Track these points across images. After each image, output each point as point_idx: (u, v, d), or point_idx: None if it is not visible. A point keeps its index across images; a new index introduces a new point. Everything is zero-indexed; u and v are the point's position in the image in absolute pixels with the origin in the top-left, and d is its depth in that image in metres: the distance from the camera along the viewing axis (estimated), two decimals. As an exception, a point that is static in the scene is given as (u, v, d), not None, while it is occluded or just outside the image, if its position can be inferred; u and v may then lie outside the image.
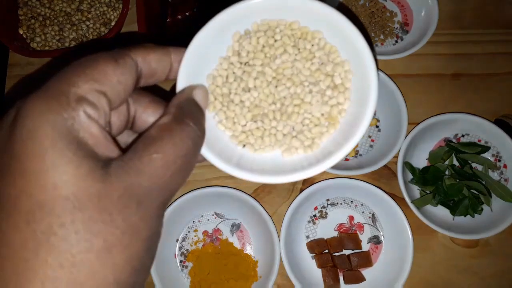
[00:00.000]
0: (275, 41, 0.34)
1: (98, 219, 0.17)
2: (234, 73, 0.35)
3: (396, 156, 0.53)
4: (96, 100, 0.19)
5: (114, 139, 0.21)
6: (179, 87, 0.29)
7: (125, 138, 0.25)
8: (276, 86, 0.34)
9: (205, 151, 0.30)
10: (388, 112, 0.57)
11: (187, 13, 0.59)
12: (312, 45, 0.34)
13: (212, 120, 0.34)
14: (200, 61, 0.32)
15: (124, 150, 0.20)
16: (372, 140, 0.57)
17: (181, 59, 0.28)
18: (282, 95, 0.34)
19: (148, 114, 0.24)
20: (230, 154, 0.33)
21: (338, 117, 0.33)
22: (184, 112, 0.22)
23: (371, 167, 0.53)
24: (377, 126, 0.58)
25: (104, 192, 0.17)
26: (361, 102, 0.31)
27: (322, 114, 0.33)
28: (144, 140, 0.20)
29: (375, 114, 0.58)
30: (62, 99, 0.18)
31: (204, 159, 0.28)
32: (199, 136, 0.23)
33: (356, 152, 0.57)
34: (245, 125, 0.34)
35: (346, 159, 0.57)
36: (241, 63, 0.35)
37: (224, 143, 0.34)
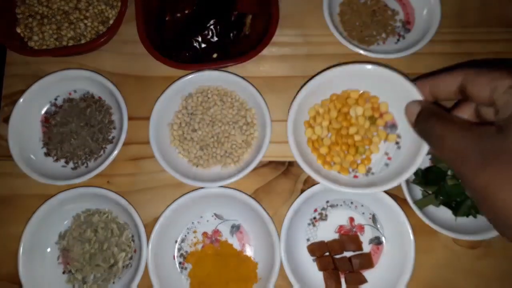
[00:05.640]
0: (208, 98, 0.54)
1: None
2: (184, 120, 0.54)
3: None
4: None
5: None
6: (151, 131, 0.51)
7: None
8: (212, 126, 0.54)
9: (171, 172, 0.50)
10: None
11: (186, 11, 0.58)
12: (231, 99, 0.54)
13: (174, 152, 0.54)
14: (162, 115, 0.53)
15: None
16: (389, 158, 0.50)
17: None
18: (217, 132, 0.53)
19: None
20: (188, 172, 0.52)
21: (251, 142, 0.53)
22: None
23: (384, 185, 0.46)
24: (397, 143, 0.50)
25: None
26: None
27: (242, 141, 0.53)
28: None
29: (396, 129, 0.51)
30: None
31: None
32: None
33: (368, 170, 0.50)
34: (196, 153, 0.53)
35: (355, 176, 0.50)
36: (188, 113, 0.54)
37: (184, 166, 0.53)
